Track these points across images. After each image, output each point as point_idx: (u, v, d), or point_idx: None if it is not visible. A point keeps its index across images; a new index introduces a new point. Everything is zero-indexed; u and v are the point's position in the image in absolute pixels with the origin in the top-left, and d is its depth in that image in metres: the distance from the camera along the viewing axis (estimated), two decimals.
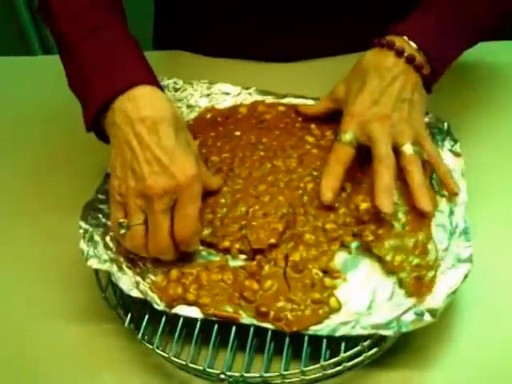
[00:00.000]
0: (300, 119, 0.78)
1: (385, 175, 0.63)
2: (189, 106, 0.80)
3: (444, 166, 0.67)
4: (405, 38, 0.69)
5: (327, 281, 0.60)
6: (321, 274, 0.61)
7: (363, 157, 0.69)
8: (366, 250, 0.63)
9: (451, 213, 0.65)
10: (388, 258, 0.62)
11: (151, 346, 0.58)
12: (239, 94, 0.80)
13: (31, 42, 1.89)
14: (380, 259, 0.62)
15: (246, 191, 0.69)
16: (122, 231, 0.60)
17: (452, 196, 0.66)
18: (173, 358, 0.58)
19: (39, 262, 0.70)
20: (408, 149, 0.65)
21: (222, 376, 0.57)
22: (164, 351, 0.58)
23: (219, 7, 0.90)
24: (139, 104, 0.60)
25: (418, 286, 0.59)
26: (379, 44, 0.69)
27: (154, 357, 0.60)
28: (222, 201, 0.68)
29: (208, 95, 0.81)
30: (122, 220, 0.60)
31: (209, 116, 0.79)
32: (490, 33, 0.77)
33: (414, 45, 0.68)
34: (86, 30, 0.65)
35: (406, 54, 0.67)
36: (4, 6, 1.80)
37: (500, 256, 0.66)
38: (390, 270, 0.61)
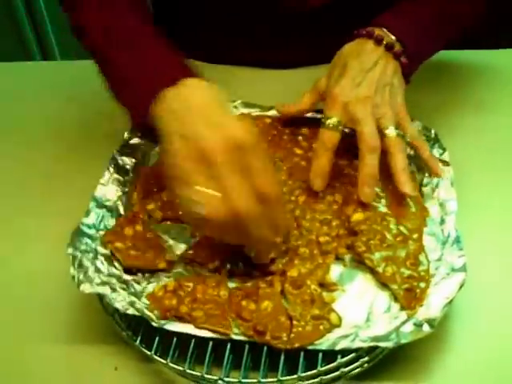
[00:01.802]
0: (287, 131, 0.78)
1: (369, 164, 0.64)
2: None
3: (427, 148, 0.69)
4: (383, 29, 0.71)
5: (326, 296, 0.60)
6: (319, 290, 0.60)
7: (354, 168, 0.69)
8: (359, 261, 0.64)
9: (442, 221, 0.65)
10: (379, 269, 0.62)
11: (149, 353, 0.58)
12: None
13: (30, 47, 1.88)
14: (372, 271, 0.63)
15: None
16: (199, 209, 0.55)
17: (436, 177, 0.68)
18: (171, 365, 0.57)
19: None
20: (391, 131, 0.66)
21: (220, 382, 0.56)
22: (162, 357, 0.58)
23: (216, 18, 0.90)
24: (183, 96, 0.60)
25: (409, 299, 0.59)
26: (358, 35, 0.72)
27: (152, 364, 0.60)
28: None
29: None
30: (194, 198, 0.55)
31: None
32: (465, 32, 0.79)
33: (392, 36, 0.71)
34: (118, 40, 0.68)
35: (384, 42, 0.70)
36: (3, 11, 1.79)
37: (493, 263, 0.67)
38: (381, 281, 0.62)
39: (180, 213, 0.68)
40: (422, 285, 0.60)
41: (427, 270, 0.61)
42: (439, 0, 0.75)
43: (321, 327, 0.57)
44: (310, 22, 0.87)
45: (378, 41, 0.70)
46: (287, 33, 0.88)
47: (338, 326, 0.57)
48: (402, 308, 0.59)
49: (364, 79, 0.68)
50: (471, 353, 0.60)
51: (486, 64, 0.82)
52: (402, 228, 0.65)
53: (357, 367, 0.56)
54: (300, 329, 0.57)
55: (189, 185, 0.55)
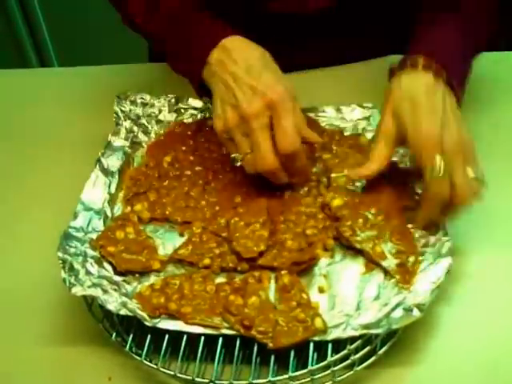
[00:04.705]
0: None
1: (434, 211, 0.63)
2: (158, 122, 0.80)
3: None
4: (430, 58, 0.66)
5: (313, 302, 0.60)
6: (306, 297, 0.61)
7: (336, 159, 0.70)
8: (347, 245, 0.65)
9: None
10: (369, 249, 0.63)
11: (139, 358, 0.58)
12: (208, 108, 0.80)
13: (28, 54, 1.87)
14: (362, 253, 0.64)
15: (223, 203, 0.69)
16: (238, 164, 0.67)
17: None
18: (161, 369, 0.57)
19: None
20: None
21: None
22: (152, 362, 0.58)
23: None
24: (230, 51, 0.68)
25: (403, 273, 0.60)
26: (412, 65, 0.66)
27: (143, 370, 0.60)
28: (200, 215, 0.69)
29: (176, 110, 0.81)
30: (232, 155, 0.67)
31: (178, 130, 0.79)
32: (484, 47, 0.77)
33: (438, 64, 0.66)
34: (164, 20, 0.75)
35: (444, 75, 0.66)
36: (0, 18, 1.78)
37: (479, 247, 0.67)
38: (372, 260, 0.63)
39: (167, 212, 0.69)
40: (411, 258, 0.61)
41: (413, 244, 0.63)
42: (462, 22, 0.73)
43: (305, 330, 0.57)
44: (312, 25, 0.87)
45: (437, 73, 0.65)
46: (290, 37, 0.88)
47: (323, 331, 0.57)
48: (398, 283, 0.60)
49: (445, 121, 0.63)
50: (459, 335, 0.61)
51: (486, 67, 0.82)
52: (380, 206, 0.66)
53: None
54: (285, 329, 0.58)
55: (232, 144, 0.67)
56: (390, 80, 0.68)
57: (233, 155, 0.67)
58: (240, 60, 0.67)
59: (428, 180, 0.62)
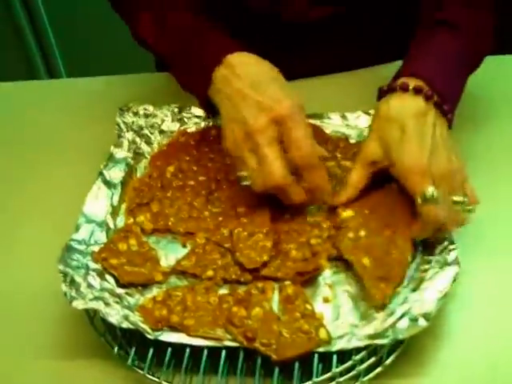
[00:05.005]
0: None
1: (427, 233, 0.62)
2: (161, 132, 0.79)
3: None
4: (422, 80, 0.64)
5: (317, 313, 0.59)
6: (310, 308, 0.60)
7: (341, 169, 0.69)
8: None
9: None
10: (352, 258, 0.62)
11: (142, 372, 0.57)
12: (210, 117, 0.80)
13: (36, 66, 1.89)
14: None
15: (227, 214, 0.69)
16: (245, 183, 0.66)
17: None
18: (164, 383, 0.57)
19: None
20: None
21: None
22: (155, 375, 0.57)
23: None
24: (234, 67, 0.66)
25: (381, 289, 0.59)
26: (402, 88, 0.64)
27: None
28: (203, 226, 0.68)
29: (180, 119, 0.80)
30: (238, 174, 0.67)
31: (182, 140, 0.78)
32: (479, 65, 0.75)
33: (429, 88, 0.64)
34: (174, 40, 0.74)
35: (435, 99, 0.64)
36: (9, 30, 1.80)
37: (486, 256, 0.66)
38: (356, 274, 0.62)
39: (170, 223, 0.69)
40: (392, 284, 0.60)
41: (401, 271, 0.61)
42: (460, 40, 0.71)
43: (310, 342, 0.56)
44: (312, 34, 0.87)
45: (428, 97, 0.63)
46: (289, 45, 0.88)
47: (328, 342, 0.56)
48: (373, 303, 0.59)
49: (434, 149, 0.61)
50: (467, 345, 0.60)
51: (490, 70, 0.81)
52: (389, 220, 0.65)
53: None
54: (289, 341, 0.57)
55: (241, 162, 0.64)
56: (379, 101, 0.66)
57: (239, 173, 0.66)
58: (244, 75, 0.65)
59: (419, 205, 0.60)
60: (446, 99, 0.65)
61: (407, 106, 0.63)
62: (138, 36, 0.79)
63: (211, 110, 0.71)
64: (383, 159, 0.64)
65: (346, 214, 0.65)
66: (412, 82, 0.64)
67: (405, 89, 0.64)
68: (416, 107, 0.63)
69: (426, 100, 0.64)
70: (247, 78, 0.65)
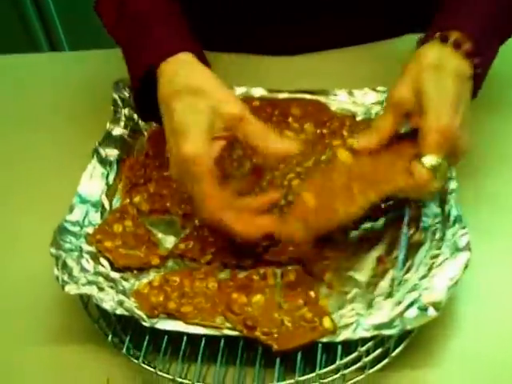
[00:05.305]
0: (277, 113, 0.74)
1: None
2: None
3: None
4: (462, 34, 0.61)
5: (321, 300, 0.57)
6: (314, 295, 0.57)
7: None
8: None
9: (442, 201, 0.63)
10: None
11: (137, 361, 0.55)
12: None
13: (38, 38, 1.86)
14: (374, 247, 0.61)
15: None
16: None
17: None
18: (160, 373, 0.55)
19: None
20: None
21: None
22: (150, 365, 0.55)
23: (227, 7, 0.85)
24: (163, 74, 0.61)
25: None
26: (442, 39, 0.61)
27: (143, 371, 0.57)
28: None
29: None
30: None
31: None
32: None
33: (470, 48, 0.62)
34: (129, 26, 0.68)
35: (473, 60, 0.61)
36: (10, 2, 1.76)
37: (499, 241, 0.64)
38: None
39: (168, 204, 0.66)
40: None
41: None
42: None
43: (313, 331, 0.54)
44: (322, 6, 0.83)
45: (468, 55, 0.61)
46: (298, 18, 0.84)
47: (332, 332, 0.54)
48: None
49: (464, 118, 0.59)
50: (479, 336, 0.57)
51: None
52: None
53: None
54: (291, 329, 0.55)
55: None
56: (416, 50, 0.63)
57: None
58: (165, 97, 0.60)
59: (418, 164, 0.58)
60: (483, 63, 0.62)
61: (448, 61, 0.60)
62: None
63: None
64: (413, 104, 0.60)
65: None
66: (453, 35, 0.61)
67: (444, 40, 0.61)
68: (457, 66, 0.60)
69: (465, 57, 0.61)
70: (170, 88, 0.60)
